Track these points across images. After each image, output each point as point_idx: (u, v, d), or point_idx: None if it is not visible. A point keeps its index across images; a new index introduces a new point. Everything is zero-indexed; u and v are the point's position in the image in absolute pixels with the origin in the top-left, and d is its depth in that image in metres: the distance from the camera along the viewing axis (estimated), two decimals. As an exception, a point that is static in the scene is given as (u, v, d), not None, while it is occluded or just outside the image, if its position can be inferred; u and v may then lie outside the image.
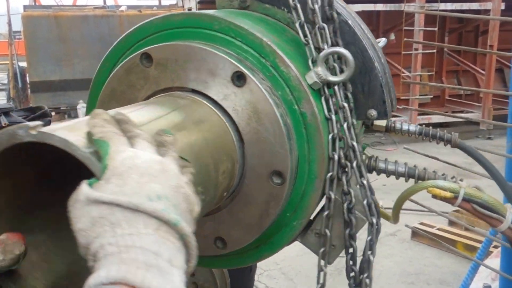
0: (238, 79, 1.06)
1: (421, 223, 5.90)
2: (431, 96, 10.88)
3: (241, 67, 1.05)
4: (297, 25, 1.14)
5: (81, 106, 10.04)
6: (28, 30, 11.63)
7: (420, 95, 9.60)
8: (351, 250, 1.14)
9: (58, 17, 11.83)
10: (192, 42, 1.10)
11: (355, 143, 1.10)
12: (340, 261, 4.72)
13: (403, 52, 9.80)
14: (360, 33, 1.19)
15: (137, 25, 1.21)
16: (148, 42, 1.17)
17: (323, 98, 1.10)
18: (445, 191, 1.16)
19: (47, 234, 0.91)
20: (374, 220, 1.11)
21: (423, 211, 6.41)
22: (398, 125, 1.32)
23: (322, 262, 1.16)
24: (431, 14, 9.44)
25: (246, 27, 1.10)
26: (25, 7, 11.97)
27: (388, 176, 1.24)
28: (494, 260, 3.40)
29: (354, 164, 1.10)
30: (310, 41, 1.12)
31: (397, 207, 1.26)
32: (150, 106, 1.00)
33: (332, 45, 1.12)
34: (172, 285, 0.61)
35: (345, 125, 1.09)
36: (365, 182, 1.11)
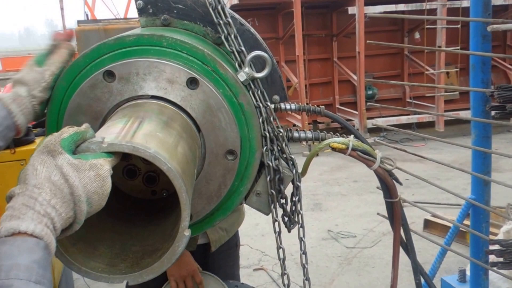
0: (191, 83, 1.33)
1: (434, 215, 5.84)
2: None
3: (194, 74, 1.33)
4: (222, 37, 1.44)
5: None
6: (81, 43, 12.17)
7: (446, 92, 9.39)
8: (283, 201, 1.49)
9: (107, 30, 12.26)
10: (148, 57, 1.34)
11: (278, 121, 1.45)
12: (350, 252, 4.86)
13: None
14: (259, 38, 1.54)
15: (91, 47, 1.36)
16: (103, 61, 1.33)
17: (250, 92, 1.40)
18: (340, 144, 1.53)
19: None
20: (294, 171, 1.47)
21: (435, 203, 6.46)
22: (282, 106, 1.60)
23: (274, 214, 1.49)
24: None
25: (190, 42, 1.36)
26: (78, 22, 12.50)
27: (301, 142, 1.59)
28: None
29: (280, 137, 1.45)
30: (234, 49, 1.43)
31: (307, 163, 1.58)
32: (128, 118, 1.20)
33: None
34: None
35: (267, 109, 1.42)
36: (287, 148, 1.47)
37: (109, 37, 1.34)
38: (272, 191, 1.44)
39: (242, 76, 1.38)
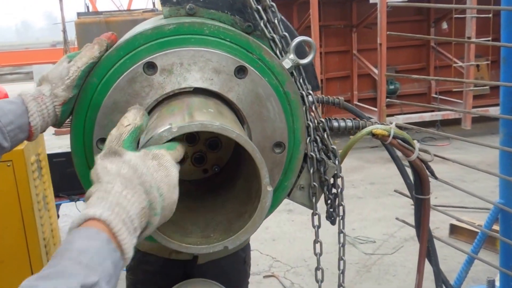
0: (239, 72, 1.35)
1: (460, 220, 5.81)
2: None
3: (242, 61, 1.34)
4: (262, 24, 1.45)
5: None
6: (81, 36, 12.24)
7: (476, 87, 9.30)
8: (327, 192, 1.54)
9: (109, 22, 12.31)
10: (191, 46, 1.34)
11: (319, 111, 1.49)
12: (369, 259, 4.87)
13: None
14: (290, 25, 1.56)
15: (124, 38, 1.36)
16: (140, 53, 1.32)
17: (294, 80, 1.44)
18: (383, 131, 1.57)
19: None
20: (337, 162, 1.51)
21: (461, 207, 6.42)
22: None
23: (317, 209, 1.54)
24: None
25: (233, 29, 1.38)
26: (78, 14, 12.62)
27: (340, 131, 1.62)
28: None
29: (321, 127, 1.48)
30: (275, 35, 1.45)
31: (345, 151, 1.61)
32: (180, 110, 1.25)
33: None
34: None
35: (310, 98, 1.46)
36: (328, 139, 1.50)
37: (111, 30, 1.34)
38: (315, 183, 1.48)
39: (287, 63, 1.40)
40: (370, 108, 11.08)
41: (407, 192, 1.84)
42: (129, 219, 0.97)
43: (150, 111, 1.34)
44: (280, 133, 1.39)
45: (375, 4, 10.18)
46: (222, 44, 1.34)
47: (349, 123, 1.61)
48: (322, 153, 1.49)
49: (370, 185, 8.08)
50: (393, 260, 5.49)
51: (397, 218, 2.79)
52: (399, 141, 1.60)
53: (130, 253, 0.96)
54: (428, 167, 1.69)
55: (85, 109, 1.34)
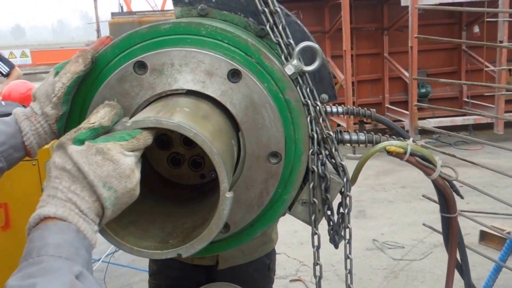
0: (233, 76, 1.28)
1: (489, 227, 5.70)
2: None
3: (237, 65, 1.27)
4: (267, 27, 1.39)
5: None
6: (115, 36, 12.37)
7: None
8: (329, 212, 1.43)
9: (142, 22, 12.45)
10: (185, 47, 1.29)
11: (327, 122, 1.38)
12: (397, 265, 4.82)
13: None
14: (307, 30, 1.48)
15: (121, 36, 1.32)
16: (134, 52, 1.29)
17: (298, 87, 1.35)
18: (398, 148, 1.46)
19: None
20: (345, 179, 1.40)
21: (492, 213, 6.29)
22: (328, 108, 1.54)
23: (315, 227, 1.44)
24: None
25: (231, 30, 1.31)
26: (112, 14, 12.83)
27: (351, 145, 1.52)
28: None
29: (329, 140, 1.38)
30: (280, 40, 1.38)
31: (358, 169, 1.51)
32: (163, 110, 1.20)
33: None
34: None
35: (316, 108, 1.36)
36: (337, 153, 1.40)
37: (144, 29, 1.31)
38: (314, 199, 1.38)
39: (289, 69, 1.32)
40: (402, 111, 10.99)
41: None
42: (82, 213, 0.99)
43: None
44: (276, 142, 1.30)
45: (407, 7, 10.07)
46: (219, 45, 1.29)
47: (362, 137, 1.50)
48: (330, 167, 1.39)
49: (401, 188, 8.00)
50: (422, 266, 5.42)
51: (424, 224, 2.75)
52: (418, 158, 1.48)
53: (94, 238, 1.00)
54: (453, 186, 1.58)
55: (80, 105, 1.33)
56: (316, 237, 1.43)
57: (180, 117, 1.09)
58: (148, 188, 1.27)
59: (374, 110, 1.64)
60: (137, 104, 1.28)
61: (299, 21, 1.48)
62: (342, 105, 1.58)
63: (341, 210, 1.43)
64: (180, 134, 1.07)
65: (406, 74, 10.81)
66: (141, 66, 1.26)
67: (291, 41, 1.38)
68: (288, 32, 1.39)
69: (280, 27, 1.38)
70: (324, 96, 1.45)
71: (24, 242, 0.96)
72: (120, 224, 1.18)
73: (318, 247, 1.44)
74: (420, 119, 10.51)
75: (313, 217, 1.40)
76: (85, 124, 1.09)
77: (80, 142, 1.05)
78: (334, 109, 1.54)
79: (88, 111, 1.30)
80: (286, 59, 1.36)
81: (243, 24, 1.44)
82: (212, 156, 1.07)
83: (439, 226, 1.75)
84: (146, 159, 1.50)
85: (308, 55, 1.38)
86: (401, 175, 8.47)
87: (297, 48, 1.35)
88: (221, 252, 1.80)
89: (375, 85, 12.10)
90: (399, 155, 1.46)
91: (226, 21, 1.44)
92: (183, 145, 1.51)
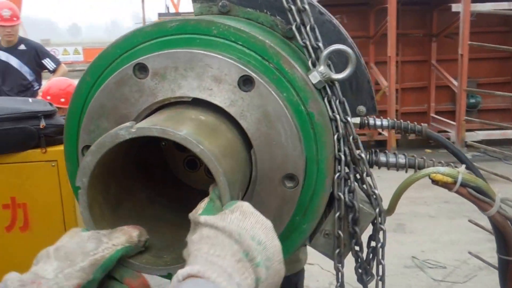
0: (245, 83, 1.10)
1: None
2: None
3: (248, 71, 1.09)
4: (293, 27, 1.20)
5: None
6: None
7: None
8: (357, 248, 1.26)
9: (187, 23, 12.58)
10: (191, 48, 1.13)
11: (359, 142, 1.16)
12: (438, 286, 4.46)
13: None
14: (344, 31, 1.27)
15: (124, 34, 1.22)
16: (137, 52, 1.18)
17: (326, 99, 1.16)
18: (446, 176, 1.26)
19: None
20: (378, 210, 1.21)
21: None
22: (371, 121, 1.36)
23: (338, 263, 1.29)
24: None
25: (247, 30, 1.14)
26: (159, 14, 13.03)
27: (388, 169, 1.31)
28: None
29: (360, 162, 1.17)
30: (308, 42, 1.18)
31: (396, 197, 1.33)
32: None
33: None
34: None
35: (346, 124, 1.16)
36: (369, 179, 1.19)
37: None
38: (340, 232, 1.18)
39: (315, 76, 1.13)
40: (448, 122, 10.67)
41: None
42: (226, 273, 0.84)
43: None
44: (293, 163, 1.11)
45: (458, 12, 9.78)
46: (232, 47, 1.13)
47: (401, 160, 1.29)
48: (360, 194, 1.20)
49: (444, 203, 7.64)
50: (465, 290, 5.15)
51: (470, 252, 2.47)
52: (471, 190, 1.27)
53: None
54: (514, 224, 1.33)
55: (79, 110, 1.22)
56: (340, 274, 1.27)
57: (187, 128, 0.97)
58: (157, 192, 1.22)
59: (426, 125, 1.43)
60: (137, 111, 1.15)
61: (334, 20, 1.27)
62: (388, 119, 1.38)
63: (372, 243, 1.24)
64: None
65: (455, 83, 10.49)
66: (142, 69, 1.13)
67: (320, 44, 1.18)
68: (318, 34, 1.19)
69: (308, 28, 1.19)
70: (362, 109, 1.27)
71: (42, 243, 0.85)
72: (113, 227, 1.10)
73: (341, 283, 1.26)
74: (467, 130, 10.14)
75: (337, 252, 1.23)
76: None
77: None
78: (379, 122, 1.34)
79: (85, 117, 1.19)
80: (314, 64, 1.17)
81: (269, 23, 1.27)
82: (217, 178, 0.94)
83: (486, 248, 1.48)
84: (164, 160, 1.41)
85: (343, 60, 1.19)
86: (444, 189, 8.02)
87: (325, 52, 1.15)
88: None
89: (420, 93, 11.83)
90: (447, 185, 1.27)
91: (250, 19, 1.28)
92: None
